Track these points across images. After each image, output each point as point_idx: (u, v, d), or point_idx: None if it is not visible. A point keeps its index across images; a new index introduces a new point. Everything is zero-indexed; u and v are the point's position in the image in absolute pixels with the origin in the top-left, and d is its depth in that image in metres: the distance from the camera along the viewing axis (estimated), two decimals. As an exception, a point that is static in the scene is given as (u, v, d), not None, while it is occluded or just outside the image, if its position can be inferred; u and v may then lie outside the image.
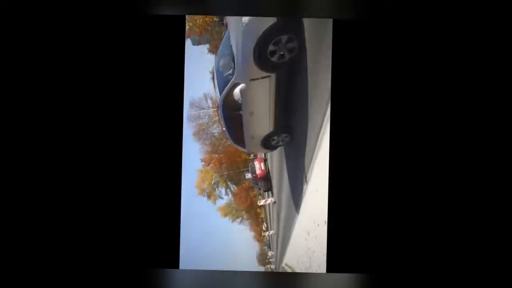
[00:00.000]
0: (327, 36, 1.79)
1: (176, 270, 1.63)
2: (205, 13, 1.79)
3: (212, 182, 3.10)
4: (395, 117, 1.61)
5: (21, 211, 1.59)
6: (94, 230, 1.63)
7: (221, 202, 3.41)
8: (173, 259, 1.65)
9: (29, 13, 1.62)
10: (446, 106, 1.59)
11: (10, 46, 1.59)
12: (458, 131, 1.58)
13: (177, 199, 1.68)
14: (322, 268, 1.68)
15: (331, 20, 1.67)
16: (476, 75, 1.57)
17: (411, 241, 1.57)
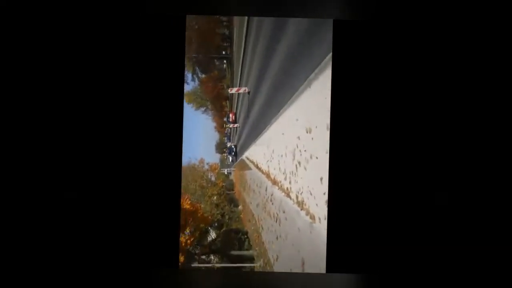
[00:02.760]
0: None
1: (176, 270, 1.63)
2: (206, 13, 1.79)
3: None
4: (396, 117, 1.62)
5: (20, 208, 1.59)
6: (92, 230, 1.63)
7: (186, 88, 3.12)
8: (173, 259, 1.65)
9: (29, 13, 1.61)
10: (448, 107, 1.60)
11: (9, 44, 1.59)
12: (459, 131, 1.59)
13: (177, 198, 1.68)
14: (322, 268, 1.68)
15: (331, 20, 1.67)
16: (478, 75, 1.58)
17: (411, 241, 1.58)
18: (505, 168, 1.52)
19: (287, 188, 2.68)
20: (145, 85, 1.64)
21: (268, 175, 3.17)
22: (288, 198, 2.63)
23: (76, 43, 1.62)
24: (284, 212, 2.66)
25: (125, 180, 1.63)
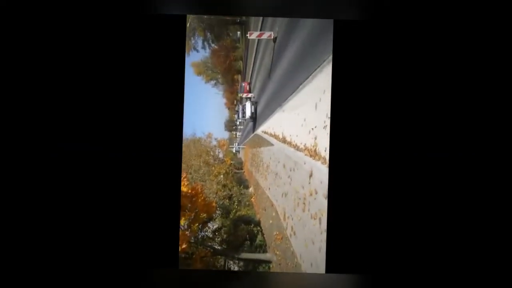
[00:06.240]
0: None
1: (176, 270, 1.63)
2: (206, 12, 1.79)
3: (187, 25, 2.13)
4: (396, 117, 1.62)
5: (18, 207, 1.58)
6: (92, 230, 1.62)
7: (196, 57, 2.76)
8: (173, 259, 1.65)
9: (29, 13, 1.61)
10: (448, 107, 1.60)
11: (10, 44, 1.59)
12: (459, 131, 1.59)
13: (177, 198, 1.67)
14: (322, 268, 1.68)
15: (331, 21, 1.67)
16: (477, 75, 1.58)
17: (411, 241, 1.58)
18: (506, 170, 1.52)
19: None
20: (145, 85, 1.64)
21: (314, 153, 2.08)
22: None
23: (76, 43, 1.61)
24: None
25: (124, 179, 1.62)
